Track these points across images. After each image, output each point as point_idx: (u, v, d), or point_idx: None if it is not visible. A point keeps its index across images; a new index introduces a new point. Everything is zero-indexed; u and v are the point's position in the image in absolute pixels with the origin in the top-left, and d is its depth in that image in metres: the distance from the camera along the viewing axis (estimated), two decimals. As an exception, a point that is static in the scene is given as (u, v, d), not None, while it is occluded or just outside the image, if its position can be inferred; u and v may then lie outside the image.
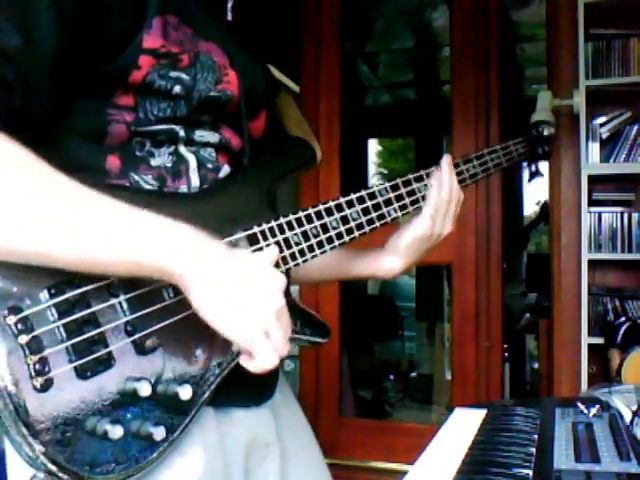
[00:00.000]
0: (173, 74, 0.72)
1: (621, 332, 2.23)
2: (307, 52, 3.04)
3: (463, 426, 0.93)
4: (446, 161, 0.94)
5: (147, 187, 0.73)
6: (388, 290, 6.42)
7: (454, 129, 2.83)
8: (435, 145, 5.79)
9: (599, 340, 2.36)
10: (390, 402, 4.25)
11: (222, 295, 0.63)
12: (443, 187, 0.92)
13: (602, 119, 2.52)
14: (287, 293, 0.74)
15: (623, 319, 2.32)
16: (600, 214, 2.49)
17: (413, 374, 4.84)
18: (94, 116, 0.71)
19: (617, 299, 2.50)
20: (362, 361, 4.32)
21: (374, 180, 7.57)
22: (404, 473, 0.77)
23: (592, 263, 2.45)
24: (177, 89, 0.72)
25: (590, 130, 2.49)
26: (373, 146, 7.78)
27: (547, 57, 2.82)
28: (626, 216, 2.49)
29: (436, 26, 4.56)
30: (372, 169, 7.80)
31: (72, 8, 0.64)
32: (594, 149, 2.50)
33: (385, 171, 8.27)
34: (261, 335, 0.64)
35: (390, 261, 0.95)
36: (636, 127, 2.49)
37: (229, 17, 0.87)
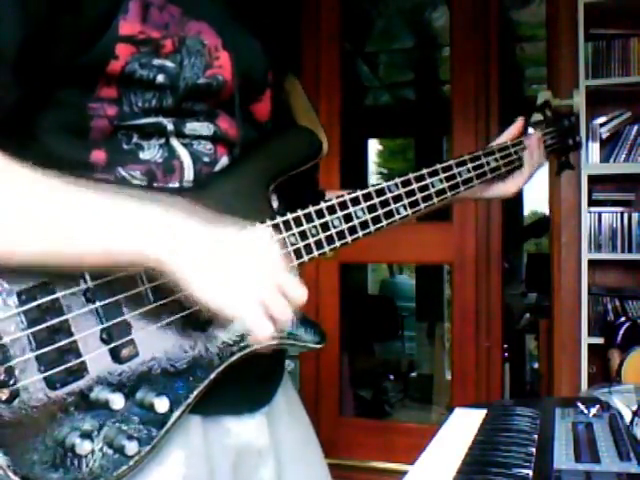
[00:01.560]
0: (156, 62, 0.67)
1: (621, 332, 2.23)
2: (307, 52, 3.04)
3: (463, 426, 0.93)
4: (536, 136, 1.09)
5: (135, 182, 0.70)
6: (388, 290, 6.42)
7: (454, 129, 2.83)
8: (435, 145, 5.80)
9: (599, 340, 2.36)
10: (390, 402, 4.25)
11: (211, 272, 0.61)
12: (534, 154, 1.07)
13: (602, 119, 2.52)
14: None
15: (623, 319, 2.32)
16: (600, 214, 2.49)
17: (413, 374, 4.84)
18: (75, 111, 0.67)
19: (617, 299, 2.50)
20: (362, 361, 4.31)
21: (374, 180, 7.57)
22: (404, 473, 0.77)
23: (592, 263, 2.46)
24: (160, 78, 0.67)
25: (590, 130, 2.49)
26: (373, 146, 7.79)
27: (547, 57, 2.82)
28: (626, 216, 2.49)
29: (436, 26, 4.56)
30: (372, 169, 7.80)
31: None
32: (594, 149, 2.50)
33: (385, 171, 8.27)
34: (259, 313, 0.62)
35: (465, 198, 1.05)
36: (636, 127, 2.49)
37: None
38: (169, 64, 0.68)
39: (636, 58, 2.45)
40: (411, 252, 2.93)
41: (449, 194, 0.91)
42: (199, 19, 0.71)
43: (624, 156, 2.48)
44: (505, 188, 1.07)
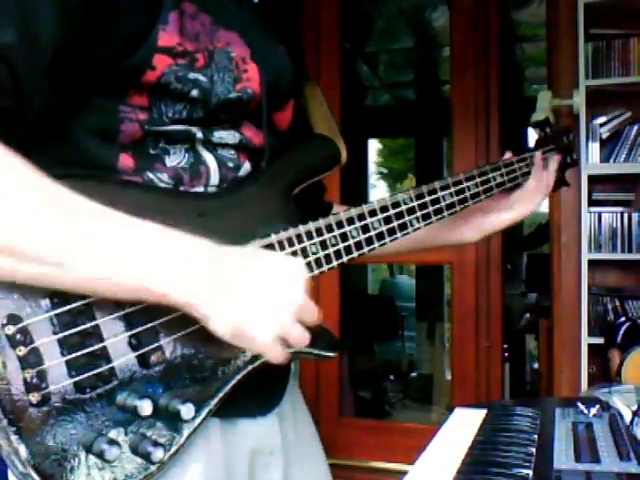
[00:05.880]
0: (191, 76, 0.67)
1: (621, 332, 2.23)
2: (307, 52, 3.03)
3: (463, 426, 0.93)
4: (539, 157, 1.01)
5: (162, 185, 0.70)
6: (388, 290, 6.42)
7: (454, 129, 2.83)
8: (435, 145, 5.80)
9: (599, 340, 2.36)
10: (390, 402, 4.26)
11: (235, 311, 0.60)
12: (542, 180, 1.00)
13: (602, 119, 2.52)
14: None
15: (623, 319, 2.32)
16: (600, 214, 2.49)
17: (413, 374, 4.84)
18: (107, 114, 0.67)
19: (617, 299, 2.50)
20: (362, 361, 4.32)
21: (374, 180, 7.57)
22: (404, 473, 0.77)
23: (592, 263, 2.46)
24: (194, 93, 0.68)
25: (590, 130, 2.49)
26: (373, 146, 7.78)
27: (547, 57, 2.82)
28: (626, 216, 2.49)
29: (436, 26, 4.56)
30: (372, 169, 7.80)
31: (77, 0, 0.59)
32: (594, 149, 2.50)
33: (385, 171, 8.27)
34: (276, 341, 0.62)
35: (471, 235, 1.01)
36: (636, 127, 2.49)
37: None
38: (202, 78, 0.68)
39: (636, 58, 2.45)
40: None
41: (458, 208, 0.92)
42: (229, 28, 0.72)
43: (624, 156, 2.48)
44: (520, 209, 1.00)
